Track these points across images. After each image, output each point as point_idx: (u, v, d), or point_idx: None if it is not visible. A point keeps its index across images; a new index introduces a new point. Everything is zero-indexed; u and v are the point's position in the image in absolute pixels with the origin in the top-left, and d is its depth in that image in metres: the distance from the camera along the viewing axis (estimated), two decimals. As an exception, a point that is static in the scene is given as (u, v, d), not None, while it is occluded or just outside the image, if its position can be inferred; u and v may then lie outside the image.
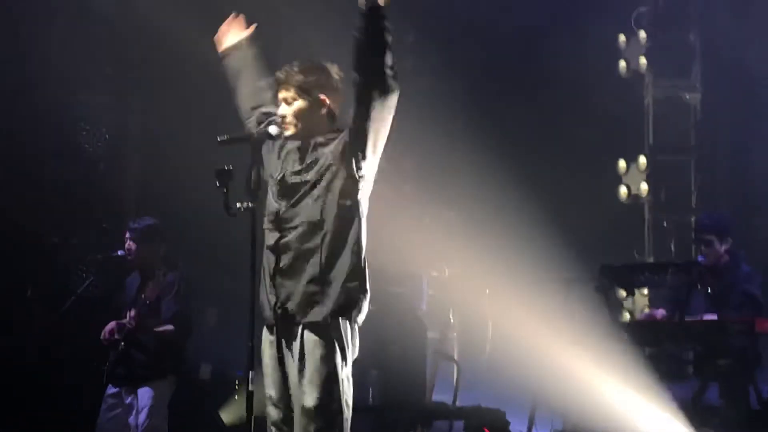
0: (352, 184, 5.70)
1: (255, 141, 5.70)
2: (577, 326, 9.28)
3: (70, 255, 11.19)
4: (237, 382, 11.19)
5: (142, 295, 8.81)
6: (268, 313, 5.75)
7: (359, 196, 5.74)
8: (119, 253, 9.08)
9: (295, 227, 5.69)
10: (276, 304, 5.69)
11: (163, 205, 10.57)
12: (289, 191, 5.77)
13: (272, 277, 5.72)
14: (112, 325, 8.78)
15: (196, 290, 9.37)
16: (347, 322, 5.67)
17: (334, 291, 5.62)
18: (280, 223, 5.74)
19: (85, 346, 9.70)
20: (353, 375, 5.72)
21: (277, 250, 5.72)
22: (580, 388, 8.96)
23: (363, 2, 5.49)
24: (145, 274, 9.05)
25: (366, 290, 5.73)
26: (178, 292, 8.95)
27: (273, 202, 5.82)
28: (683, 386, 8.66)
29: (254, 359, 5.49)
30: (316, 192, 5.69)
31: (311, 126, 5.78)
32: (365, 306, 5.74)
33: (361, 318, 5.74)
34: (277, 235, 5.74)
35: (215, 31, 6.47)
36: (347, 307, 5.65)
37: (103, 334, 8.78)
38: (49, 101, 11.16)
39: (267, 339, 5.80)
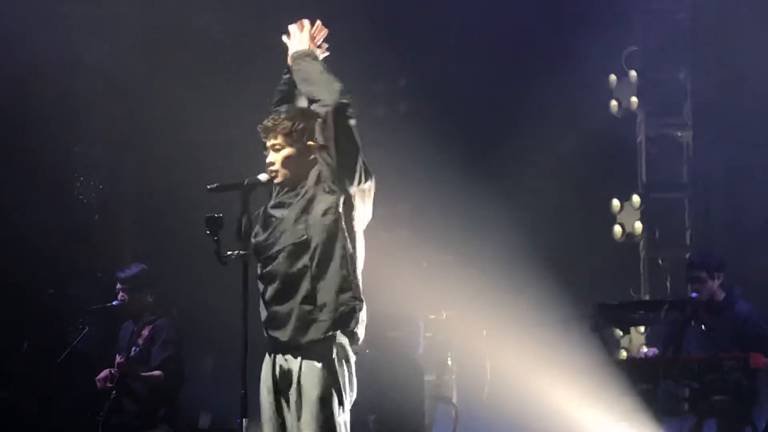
0: (331, 198, 5.66)
1: (245, 188, 5.69)
2: (574, 365, 9.28)
3: (66, 306, 11.19)
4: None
5: (132, 342, 8.84)
6: (267, 341, 5.75)
7: (342, 209, 5.67)
8: (115, 303, 9.10)
9: (280, 251, 5.66)
10: (272, 331, 5.68)
11: (157, 253, 10.60)
12: (268, 220, 5.78)
13: (266, 306, 5.72)
14: (105, 372, 8.80)
15: (192, 338, 9.36)
16: (347, 338, 5.63)
17: (329, 305, 5.60)
18: (263, 251, 5.73)
19: (83, 398, 9.69)
20: (350, 420, 5.67)
21: (265, 278, 5.73)
22: (579, 428, 8.96)
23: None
24: (137, 321, 9.07)
25: (361, 299, 5.69)
26: (168, 338, 8.93)
27: (258, 236, 5.80)
28: (679, 423, 8.67)
29: (247, 406, 5.49)
30: (293, 213, 5.67)
31: (300, 172, 5.78)
32: (363, 316, 5.70)
33: (361, 330, 5.70)
34: (261, 264, 5.76)
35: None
36: (345, 319, 5.62)
37: (96, 382, 8.79)
38: (44, 152, 11.20)
39: (265, 384, 5.75)
